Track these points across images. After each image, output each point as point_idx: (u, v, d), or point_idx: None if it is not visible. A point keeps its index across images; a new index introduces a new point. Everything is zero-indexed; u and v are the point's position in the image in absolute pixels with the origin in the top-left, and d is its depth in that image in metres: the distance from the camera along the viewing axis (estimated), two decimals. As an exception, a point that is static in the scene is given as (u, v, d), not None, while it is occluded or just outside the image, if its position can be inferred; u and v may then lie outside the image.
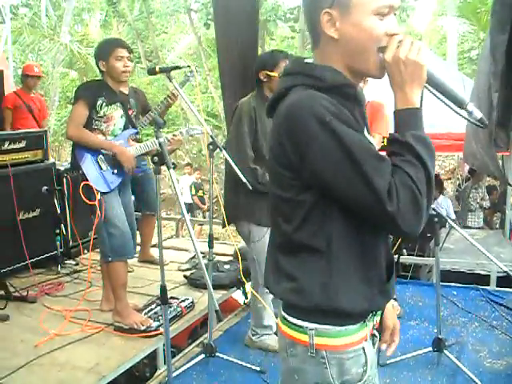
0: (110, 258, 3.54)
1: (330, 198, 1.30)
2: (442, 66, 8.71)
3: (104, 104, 3.57)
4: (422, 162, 1.24)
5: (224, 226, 3.50)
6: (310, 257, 1.35)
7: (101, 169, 3.57)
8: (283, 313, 1.46)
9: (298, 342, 1.41)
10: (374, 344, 1.50)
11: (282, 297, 1.45)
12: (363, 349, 1.41)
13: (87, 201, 3.47)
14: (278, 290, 1.44)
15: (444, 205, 7.90)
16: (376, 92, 3.74)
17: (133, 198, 4.23)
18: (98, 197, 3.47)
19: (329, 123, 1.23)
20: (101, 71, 3.67)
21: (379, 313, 1.51)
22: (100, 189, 3.51)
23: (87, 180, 3.49)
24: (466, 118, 1.35)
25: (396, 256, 5.16)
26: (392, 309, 1.62)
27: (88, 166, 3.54)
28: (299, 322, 1.40)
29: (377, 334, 1.52)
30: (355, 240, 1.34)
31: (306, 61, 1.43)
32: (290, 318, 1.43)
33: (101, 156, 3.59)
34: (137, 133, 3.81)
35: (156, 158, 2.33)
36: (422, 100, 1.33)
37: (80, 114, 3.52)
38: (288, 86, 1.37)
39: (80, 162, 3.54)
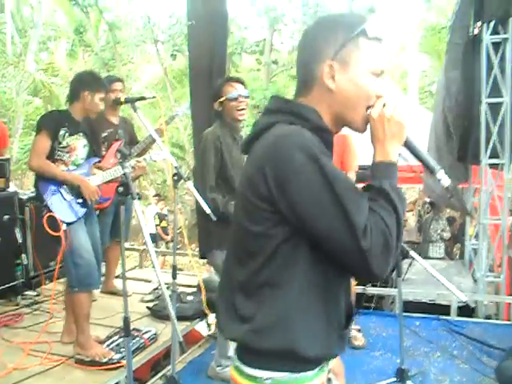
0: (76, 289, 3.48)
1: (302, 234, 1.30)
2: (403, 99, 8.95)
3: (67, 134, 3.55)
4: (395, 209, 1.29)
5: (202, 258, 3.50)
6: (272, 295, 1.33)
7: (65, 199, 3.53)
8: (237, 362, 1.42)
9: None
10: None
11: (237, 339, 1.41)
12: None
13: (52, 232, 3.41)
14: (234, 333, 1.40)
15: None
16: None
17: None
18: (63, 227, 3.42)
19: (316, 157, 1.26)
20: (70, 98, 3.67)
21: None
22: (65, 219, 3.46)
23: (51, 211, 3.45)
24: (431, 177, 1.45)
25: (362, 287, 5.23)
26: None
27: (52, 196, 3.50)
28: (254, 372, 1.36)
29: (332, 377, 1.51)
30: (319, 280, 1.34)
31: (290, 100, 1.47)
32: (244, 368, 1.38)
33: (64, 186, 3.55)
34: (99, 161, 3.80)
35: (121, 189, 2.33)
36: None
37: (43, 145, 3.49)
38: (270, 123, 1.40)
39: (44, 193, 3.50)
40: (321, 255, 1.31)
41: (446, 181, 1.42)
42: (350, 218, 1.23)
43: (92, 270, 3.53)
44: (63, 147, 3.56)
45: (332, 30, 1.40)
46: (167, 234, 11.85)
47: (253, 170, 1.35)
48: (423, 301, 5.27)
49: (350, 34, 1.38)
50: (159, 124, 4.00)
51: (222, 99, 3.43)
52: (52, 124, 3.55)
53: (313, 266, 1.33)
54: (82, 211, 3.58)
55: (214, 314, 3.95)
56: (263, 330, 1.33)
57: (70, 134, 3.58)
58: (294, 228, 1.30)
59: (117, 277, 5.01)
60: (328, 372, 1.47)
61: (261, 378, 1.35)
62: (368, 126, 1.42)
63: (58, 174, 3.52)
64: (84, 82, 3.66)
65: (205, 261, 3.76)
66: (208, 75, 5.49)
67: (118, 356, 3.47)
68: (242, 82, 3.52)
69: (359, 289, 5.20)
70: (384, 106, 1.38)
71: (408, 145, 1.42)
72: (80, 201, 3.58)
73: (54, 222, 3.42)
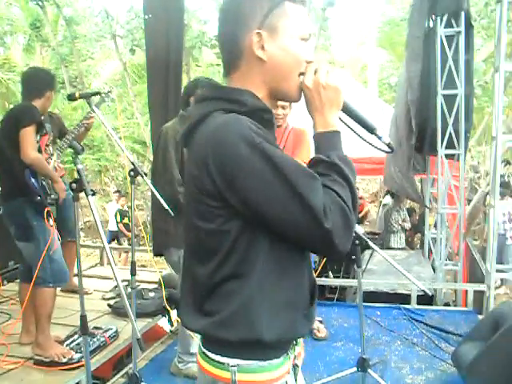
0: (50, 284, 3.45)
1: (256, 224, 1.26)
2: (363, 93, 9.04)
3: (44, 129, 3.58)
4: (347, 181, 1.27)
5: (156, 255, 3.47)
6: (233, 287, 1.30)
7: (48, 194, 3.55)
8: (203, 348, 1.39)
9: (218, 379, 1.35)
10: (295, 374, 1.48)
11: (202, 332, 1.38)
12: (286, 382, 1.39)
13: (49, 226, 3.41)
14: (198, 325, 1.36)
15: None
16: (297, 118, 3.84)
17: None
18: (50, 222, 3.44)
19: (259, 145, 1.21)
20: (31, 95, 3.63)
21: (299, 342, 1.49)
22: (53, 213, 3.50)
23: (45, 206, 3.44)
24: (372, 145, 1.44)
25: (323, 278, 5.29)
26: None
27: (40, 192, 3.50)
28: (220, 359, 1.34)
29: (298, 363, 1.50)
30: (279, 265, 1.31)
31: (221, 86, 1.42)
32: (211, 354, 1.36)
33: (44, 181, 3.54)
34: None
35: (74, 185, 2.29)
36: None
37: (33, 138, 3.45)
38: (206, 112, 1.33)
39: (36, 187, 3.48)
40: (279, 241, 1.28)
41: (386, 138, 1.40)
42: (307, 201, 1.20)
43: (64, 265, 3.56)
44: (36, 142, 3.55)
45: None
46: (129, 231, 11.72)
47: (195, 167, 1.29)
48: (384, 291, 5.35)
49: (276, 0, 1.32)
50: (81, 122, 3.97)
51: None
52: (38, 119, 3.52)
53: (271, 252, 1.29)
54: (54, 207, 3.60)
55: (175, 310, 3.94)
56: (227, 321, 1.30)
57: (44, 130, 3.62)
58: (248, 220, 1.27)
59: (76, 275, 4.92)
60: (294, 358, 1.46)
61: (227, 364, 1.33)
62: (303, 96, 1.38)
63: (49, 169, 3.56)
64: (48, 82, 3.70)
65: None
66: (165, 69, 5.47)
67: (78, 355, 3.41)
68: None
69: (322, 280, 5.26)
70: (316, 72, 1.33)
71: (345, 108, 1.38)
72: (54, 196, 3.59)
73: (48, 216, 3.42)
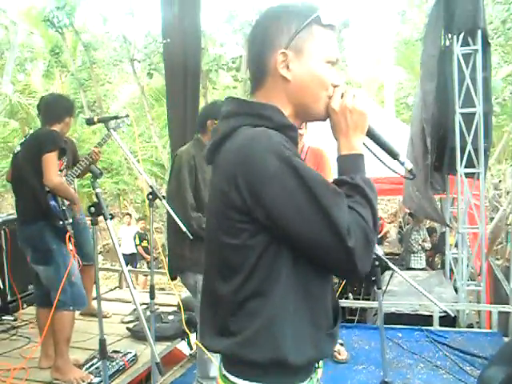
0: (71, 307, 3.49)
1: (281, 240, 1.26)
2: (380, 113, 9.02)
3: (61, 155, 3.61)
4: (369, 203, 1.28)
5: (173, 279, 3.46)
6: (256, 306, 1.29)
7: (67, 219, 3.60)
8: (224, 371, 1.38)
9: None
10: None
11: (225, 353, 1.37)
12: None
13: (69, 250, 3.47)
14: (220, 346, 1.35)
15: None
16: (314, 138, 3.83)
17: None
18: (70, 247, 3.48)
19: (288, 159, 1.22)
20: (50, 121, 3.70)
21: (321, 364, 1.47)
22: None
23: (67, 230, 3.50)
24: (394, 171, 1.45)
25: (343, 300, 5.22)
26: None
27: (62, 216, 3.55)
28: (242, 382, 1.33)
29: None
30: (303, 282, 1.31)
31: (248, 101, 1.42)
32: (232, 377, 1.35)
33: (63, 207, 3.59)
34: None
35: (93, 209, 2.29)
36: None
37: (56, 164, 3.51)
38: (232, 127, 1.34)
39: (57, 212, 3.53)
40: (303, 258, 1.28)
41: (408, 164, 1.42)
42: (333, 219, 1.20)
43: (83, 289, 3.62)
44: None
45: (284, 19, 1.36)
46: (149, 254, 11.74)
47: (222, 181, 1.29)
48: (405, 312, 5.26)
49: (304, 22, 1.34)
50: (93, 147, 4.03)
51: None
52: (60, 144, 3.58)
53: (295, 269, 1.29)
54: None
55: (195, 334, 3.91)
56: (249, 341, 1.29)
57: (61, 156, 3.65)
58: (273, 235, 1.27)
59: (95, 298, 4.92)
60: (317, 381, 1.44)
61: None
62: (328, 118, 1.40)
63: (71, 191, 3.63)
64: (68, 108, 3.80)
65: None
66: (183, 92, 5.54)
67: (97, 379, 3.41)
68: None
69: (342, 302, 5.19)
70: (342, 95, 1.36)
71: (370, 132, 1.40)
72: (70, 221, 3.63)
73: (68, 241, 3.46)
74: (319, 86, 1.36)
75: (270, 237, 1.27)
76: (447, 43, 5.73)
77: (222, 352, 1.37)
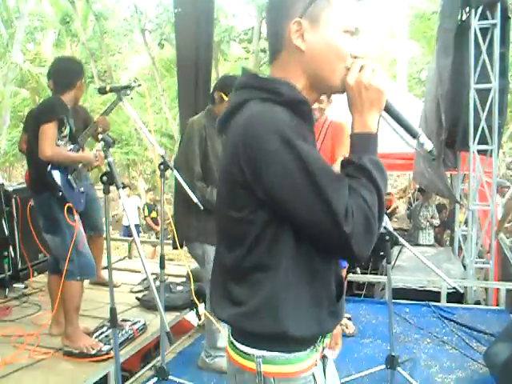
0: (78, 277, 3.48)
1: (281, 219, 1.26)
2: (392, 87, 8.92)
3: (66, 124, 3.53)
4: (376, 187, 1.24)
5: (175, 248, 3.46)
6: (260, 278, 1.31)
7: (73, 188, 3.56)
8: (231, 338, 1.42)
9: (245, 368, 1.37)
10: (324, 366, 1.47)
11: (229, 322, 1.40)
12: (313, 375, 1.38)
13: (71, 223, 3.41)
14: (225, 314, 1.38)
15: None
16: (337, 111, 3.77)
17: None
18: (76, 217, 3.47)
19: (291, 140, 1.20)
20: (63, 88, 3.61)
21: (329, 334, 1.47)
22: (78, 208, 3.53)
23: (67, 201, 3.44)
24: (415, 148, 1.41)
25: (350, 274, 5.23)
26: None
27: (64, 186, 3.49)
28: (247, 349, 1.36)
29: (327, 355, 1.49)
30: (305, 259, 1.31)
31: (260, 75, 1.39)
32: (238, 344, 1.39)
33: (69, 175, 3.55)
34: (78, 149, 3.76)
35: (105, 178, 2.29)
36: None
37: (53, 134, 3.41)
38: (242, 100, 1.32)
39: (57, 183, 3.46)
40: (304, 236, 1.28)
41: (428, 144, 1.36)
42: (330, 204, 1.18)
43: (91, 259, 3.59)
44: (63, 137, 3.53)
45: None
46: (157, 225, 11.78)
47: (229, 155, 1.30)
48: (413, 287, 5.27)
49: None
50: (99, 115, 3.96)
51: (227, 98, 3.26)
52: (61, 113, 3.50)
53: (298, 246, 1.29)
54: (84, 199, 3.65)
55: (203, 304, 3.94)
56: (253, 313, 1.31)
57: (68, 124, 3.57)
58: (273, 213, 1.26)
59: (105, 268, 4.96)
60: (323, 349, 1.45)
61: (253, 355, 1.35)
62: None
63: (72, 157, 3.56)
64: (78, 71, 3.67)
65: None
66: (194, 63, 5.48)
67: (106, 347, 3.44)
68: None
69: (350, 276, 5.20)
70: (361, 69, 1.29)
71: (388, 109, 1.34)
72: (82, 189, 3.63)
73: (70, 212, 3.43)
74: (335, 57, 1.30)
75: (270, 213, 1.27)
76: (464, 17, 5.62)
77: (226, 320, 1.40)
